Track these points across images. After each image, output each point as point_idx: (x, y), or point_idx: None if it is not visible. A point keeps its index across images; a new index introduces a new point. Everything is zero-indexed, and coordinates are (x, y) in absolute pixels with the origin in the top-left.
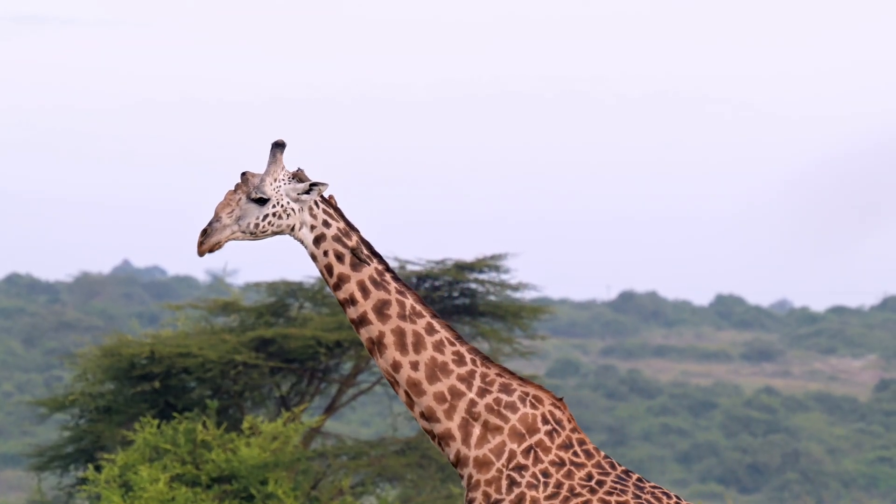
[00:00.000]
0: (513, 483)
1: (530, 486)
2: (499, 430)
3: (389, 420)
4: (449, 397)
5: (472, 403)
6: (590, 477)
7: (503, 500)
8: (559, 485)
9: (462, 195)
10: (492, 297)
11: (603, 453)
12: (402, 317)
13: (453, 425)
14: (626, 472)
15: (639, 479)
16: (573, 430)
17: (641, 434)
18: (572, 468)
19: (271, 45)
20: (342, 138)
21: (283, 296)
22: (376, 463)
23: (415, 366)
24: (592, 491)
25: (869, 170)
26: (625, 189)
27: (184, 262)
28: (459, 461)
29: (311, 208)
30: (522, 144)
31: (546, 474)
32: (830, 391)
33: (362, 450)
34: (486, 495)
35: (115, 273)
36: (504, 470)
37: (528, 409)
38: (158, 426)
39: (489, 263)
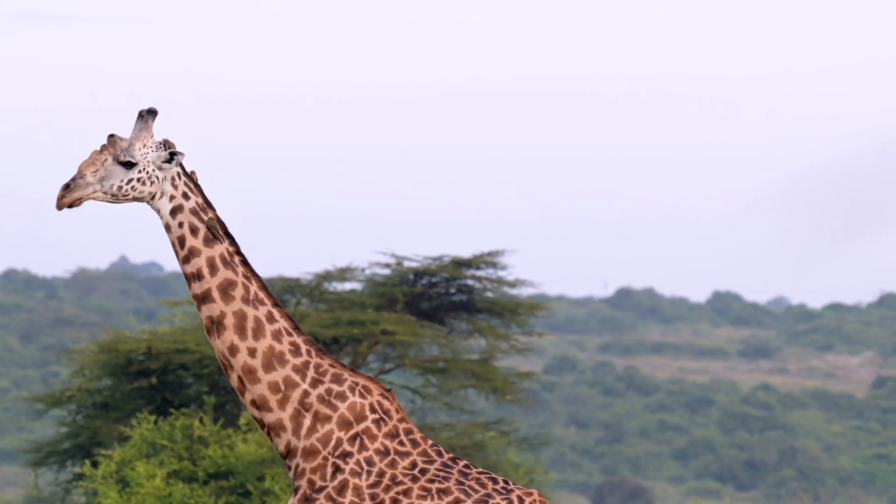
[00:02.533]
0: (337, 470)
1: (354, 473)
2: (328, 419)
3: None
4: (283, 387)
5: (305, 394)
6: (413, 465)
7: (327, 486)
8: (382, 473)
9: (460, 192)
10: (489, 294)
11: (430, 442)
12: (246, 300)
13: (285, 416)
14: (454, 460)
15: (465, 466)
16: (401, 419)
17: (638, 431)
18: (396, 457)
19: (270, 43)
20: (342, 136)
21: (280, 292)
22: None
23: (252, 352)
24: (414, 479)
25: (866, 168)
26: (622, 186)
27: None
28: (289, 452)
29: (173, 178)
30: (520, 142)
31: (370, 462)
32: (827, 388)
33: None
34: (311, 482)
35: (113, 269)
36: (330, 457)
37: (357, 399)
38: (155, 422)
39: (486, 260)
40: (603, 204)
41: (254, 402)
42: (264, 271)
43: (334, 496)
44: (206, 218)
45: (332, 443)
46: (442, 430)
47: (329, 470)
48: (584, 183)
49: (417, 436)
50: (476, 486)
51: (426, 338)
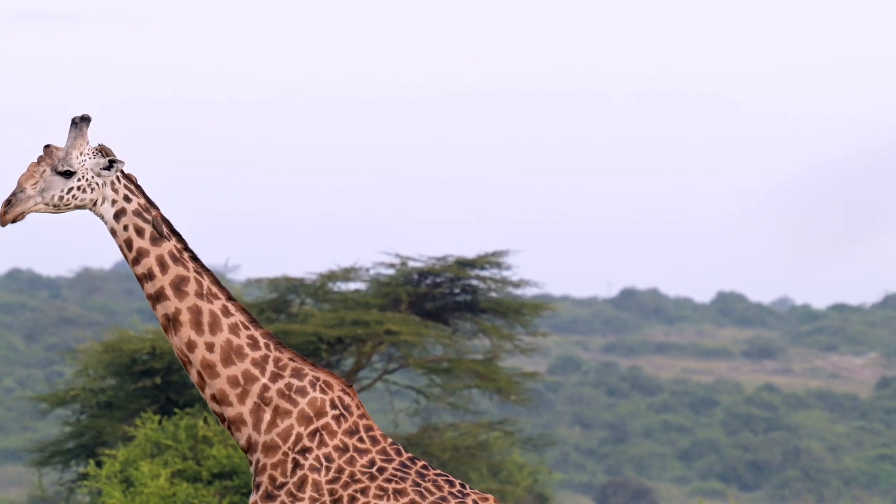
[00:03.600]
0: (297, 466)
1: (313, 468)
2: (288, 413)
3: (390, 416)
4: (242, 381)
5: (265, 388)
6: (372, 463)
7: (287, 482)
8: (340, 470)
9: (464, 192)
10: (493, 294)
11: (390, 440)
12: (200, 295)
13: (245, 410)
14: (412, 460)
15: (423, 467)
16: (361, 416)
17: (642, 431)
18: (355, 454)
19: (272, 44)
20: (345, 136)
21: (285, 292)
22: None
23: (210, 347)
24: (372, 478)
25: (870, 169)
26: (626, 187)
27: None
28: (250, 447)
29: (112, 183)
30: (524, 142)
31: (329, 458)
32: (831, 389)
33: None
34: (272, 478)
35: (117, 269)
36: (290, 453)
37: (318, 394)
38: (159, 422)
39: (491, 260)
40: (607, 204)
41: (214, 397)
42: (268, 271)
43: (294, 492)
44: (149, 217)
45: (292, 438)
46: (446, 430)
47: (289, 465)
48: (588, 183)
49: (377, 433)
50: (432, 489)
51: (430, 338)
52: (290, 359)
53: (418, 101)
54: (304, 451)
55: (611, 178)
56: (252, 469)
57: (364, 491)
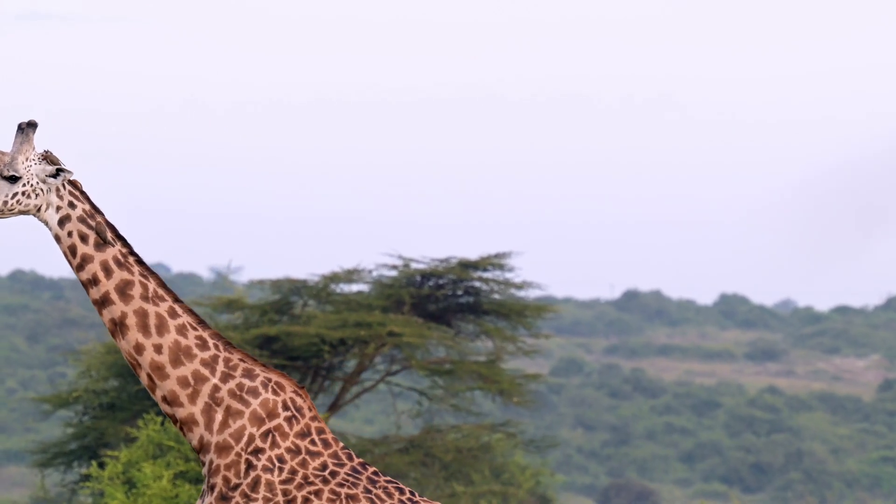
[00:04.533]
0: (250, 466)
1: (266, 469)
2: (240, 414)
3: (393, 418)
4: (192, 382)
5: (216, 388)
6: (324, 466)
7: (241, 484)
8: (294, 471)
9: (467, 194)
10: (496, 296)
11: (341, 444)
12: (145, 298)
13: (196, 410)
14: (363, 465)
15: (374, 473)
16: (313, 418)
17: (645, 433)
18: (307, 457)
19: (276, 45)
20: (349, 139)
21: (287, 293)
22: (380, 461)
23: (158, 349)
24: (325, 481)
25: (874, 172)
26: (629, 189)
27: (188, 259)
28: (203, 447)
29: (57, 189)
30: (527, 145)
31: (282, 459)
32: (834, 391)
33: (366, 448)
34: (226, 479)
35: None
36: (243, 454)
37: (270, 395)
38: (162, 423)
39: (493, 262)
40: (610, 206)
41: (165, 399)
42: (271, 273)
43: (248, 492)
44: (93, 223)
45: (245, 438)
46: (448, 431)
47: (242, 466)
48: (591, 185)
49: (329, 436)
50: (383, 496)
51: (433, 339)
52: (241, 359)
53: (421, 103)
54: (257, 451)
55: (614, 180)
56: (205, 470)
57: (318, 493)
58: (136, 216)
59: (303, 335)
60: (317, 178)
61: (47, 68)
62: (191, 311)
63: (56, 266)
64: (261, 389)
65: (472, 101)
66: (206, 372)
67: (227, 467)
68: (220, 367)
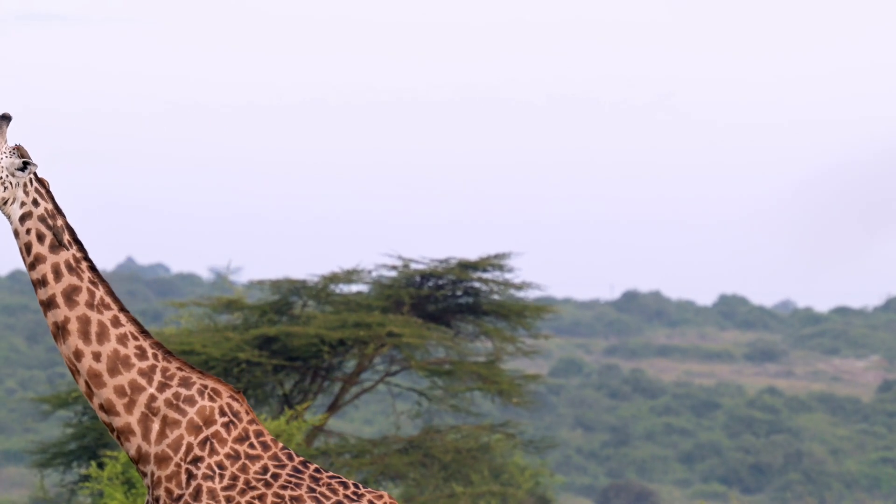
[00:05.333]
0: (190, 476)
1: (206, 477)
2: (177, 424)
3: (392, 419)
4: (129, 391)
5: (152, 398)
6: (265, 469)
7: (184, 494)
8: (235, 477)
9: (466, 195)
10: (495, 297)
11: (280, 444)
12: (90, 305)
13: (133, 420)
14: (304, 464)
15: (316, 471)
16: (251, 421)
17: (644, 434)
18: (247, 461)
19: (276, 45)
20: (349, 140)
21: (287, 294)
22: (379, 461)
23: (97, 356)
24: (268, 485)
25: (874, 173)
26: (629, 190)
27: (187, 259)
28: (141, 457)
29: (25, 185)
30: (527, 146)
31: (221, 466)
32: (833, 392)
33: (365, 448)
34: (169, 491)
35: (119, 270)
36: (182, 464)
37: (206, 402)
38: None
39: (493, 263)
40: (609, 207)
41: (102, 407)
42: (271, 273)
43: (191, 502)
44: (52, 224)
45: (183, 448)
46: (448, 432)
47: (183, 477)
48: (591, 186)
49: (268, 438)
50: (327, 493)
51: (432, 340)
52: (179, 368)
53: (421, 104)
54: (196, 460)
55: (613, 181)
56: (147, 482)
57: (261, 498)
58: (136, 216)
59: (302, 335)
60: (316, 178)
61: (46, 68)
62: (135, 321)
63: None
64: (197, 397)
65: (471, 102)
66: (143, 382)
67: (169, 478)
68: (158, 377)
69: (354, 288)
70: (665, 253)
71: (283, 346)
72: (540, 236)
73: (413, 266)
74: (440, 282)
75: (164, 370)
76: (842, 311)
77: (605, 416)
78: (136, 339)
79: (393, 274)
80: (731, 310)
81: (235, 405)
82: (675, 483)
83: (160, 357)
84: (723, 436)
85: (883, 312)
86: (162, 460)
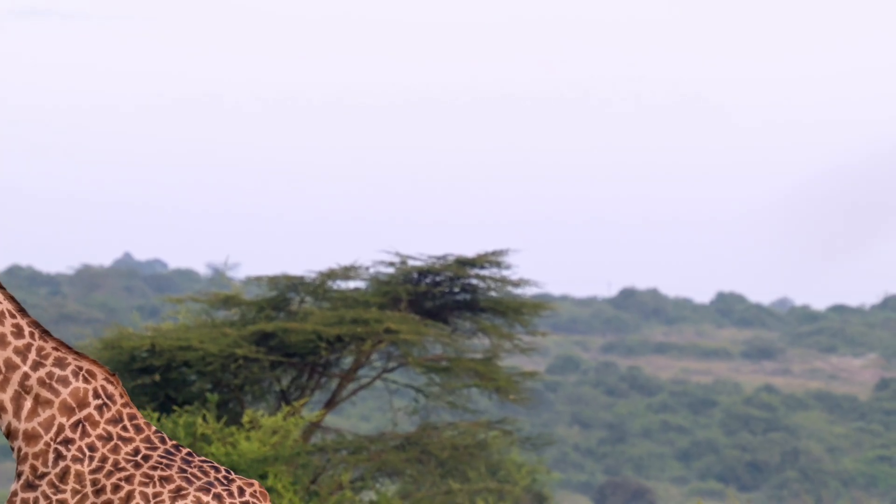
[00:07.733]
0: (59, 456)
1: (75, 459)
2: (49, 403)
3: (389, 415)
4: (3, 369)
5: (26, 377)
6: (136, 451)
7: (49, 473)
8: (104, 459)
9: (464, 192)
10: (493, 294)
11: (154, 428)
12: None
13: (6, 397)
14: (176, 447)
15: (188, 454)
16: (125, 404)
17: (641, 431)
18: (119, 443)
19: (276, 45)
20: (347, 137)
21: (284, 290)
22: (376, 458)
23: None
24: (137, 465)
25: (871, 173)
26: (626, 188)
27: (185, 255)
28: (10, 433)
29: None
30: (525, 143)
31: (92, 448)
32: (830, 390)
33: (362, 444)
34: (34, 468)
35: (116, 266)
36: (52, 444)
37: (80, 384)
38: (158, 419)
39: (490, 259)
40: (607, 205)
41: None
42: (268, 269)
43: (56, 483)
44: None
45: (54, 428)
46: (445, 429)
47: (51, 456)
48: (589, 184)
49: (141, 421)
50: (199, 474)
51: (430, 337)
52: (55, 348)
53: (418, 102)
54: (67, 441)
55: (611, 178)
56: (15, 456)
57: (129, 479)
58: (134, 212)
59: (299, 332)
60: (314, 175)
61: (47, 66)
62: (12, 299)
63: (53, 262)
64: (71, 378)
65: (468, 101)
66: (17, 360)
67: (35, 456)
68: (32, 356)
69: (352, 284)
70: (662, 251)
71: (281, 343)
72: (537, 233)
73: (411, 263)
74: (438, 279)
75: (40, 349)
76: (839, 310)
77: (602, 414)
78: (13, 316)
79: (390, 271)
80: (729, 307)
81: (110, 388)
82: (672, 480)
83: (37, 336)
84: (720, 433)
85: (880, 311)
86: (31, 437)
